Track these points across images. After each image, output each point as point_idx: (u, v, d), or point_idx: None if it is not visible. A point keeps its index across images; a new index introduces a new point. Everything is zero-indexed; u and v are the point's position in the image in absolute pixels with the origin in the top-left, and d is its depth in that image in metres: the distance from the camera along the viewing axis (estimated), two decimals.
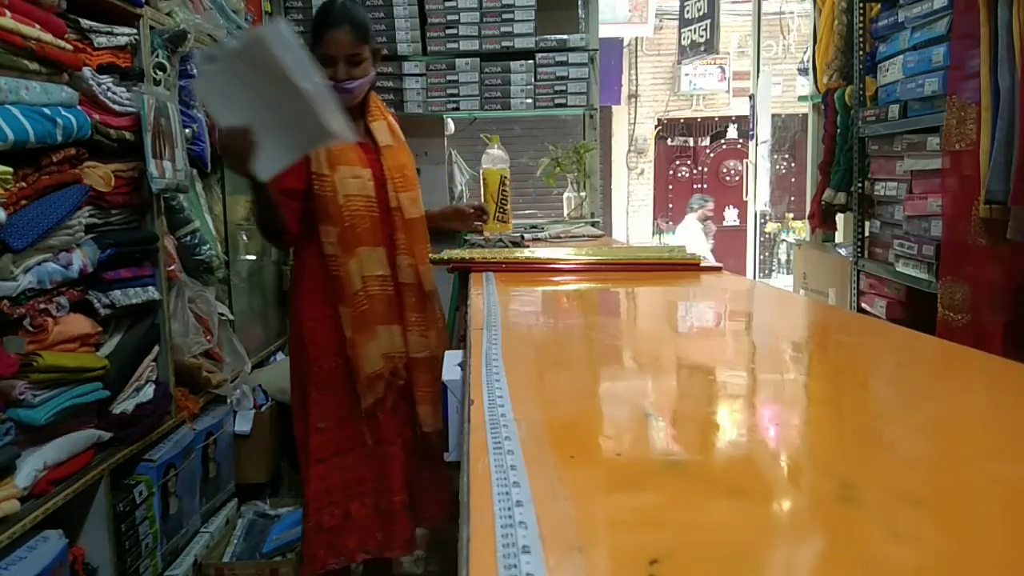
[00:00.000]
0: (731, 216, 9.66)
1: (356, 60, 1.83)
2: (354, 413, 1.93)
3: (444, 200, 3.21)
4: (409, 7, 3.05)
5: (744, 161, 7.04)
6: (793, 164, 9.39)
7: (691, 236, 7.37)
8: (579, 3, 3.21)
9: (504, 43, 3.08)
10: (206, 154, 2.23)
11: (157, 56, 1.96)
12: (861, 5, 2.77)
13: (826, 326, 1.26)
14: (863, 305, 2.80)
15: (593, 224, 3.06)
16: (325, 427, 1.92)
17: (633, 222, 9.80)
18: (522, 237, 2.28)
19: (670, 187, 10.02)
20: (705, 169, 9.97)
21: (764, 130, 5.70)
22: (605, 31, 4.67)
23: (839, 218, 3.25)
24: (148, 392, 1.87)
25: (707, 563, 0.43)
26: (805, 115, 4.33)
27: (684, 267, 1.65)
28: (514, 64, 3.08)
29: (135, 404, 1.81)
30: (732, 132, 9.61)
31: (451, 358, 1.11)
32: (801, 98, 4.66)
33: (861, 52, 2.77)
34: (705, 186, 9.90)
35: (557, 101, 3.12)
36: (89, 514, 1.71)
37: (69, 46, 1.58)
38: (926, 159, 2.27)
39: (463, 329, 1.74)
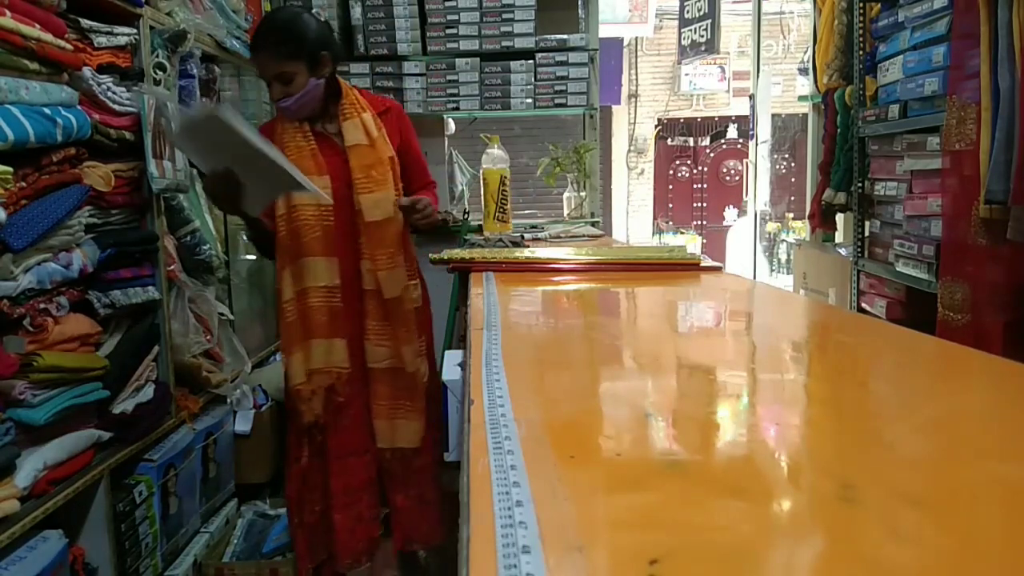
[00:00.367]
0: (730, 216, 9.67)
1: (286, 78, 1.80)
2: (326, 421, 1.94)
3: (445, 200, 3.21)
4: (409, 7, 3.05)
5: (744, 161, 7.04)
6: (793, 164, 9.38)
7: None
8: (579, 3, 3.20)
9: (504, 43, 3.08)
10: None
11: (157, 56, 1.96)
12: (861, 5, 2.77)
13: (826, 326, 1.26)
14: (863, 305, 2.80)
15: (593, 224, 3.06)
16: (299, 430, 1.95)
17: (633, 222, 9.80)
18: (522, 237, 2.28)
19: (670, 187, 10.02)
20: (705, 169, 9.98)
21: (764, 130, 5.70)
22: (605, 31, 4.67)
23: (839, 218, 3.25)
24: (148, 392, 1.87)
25: (707, 563, 0.43)
26: (805, 115, 4.33)
27: (684, 267, 1.65)
28: (514, 64, 3.08)
29: (135, 404, 1.81)
30: (732, 132, 9.61)
31: (451, 358, 1.11)
32: (801, 98, 4.67)
33: (861, 52, 2.77)
34: (705, 186, 9.91)
35: (557, 101, 3.12)
36: (89, 514, 1.70)
37: (69, 46, 1.58)
38: (926, 159, 2.27)
39: (463, 329, 1.73)
